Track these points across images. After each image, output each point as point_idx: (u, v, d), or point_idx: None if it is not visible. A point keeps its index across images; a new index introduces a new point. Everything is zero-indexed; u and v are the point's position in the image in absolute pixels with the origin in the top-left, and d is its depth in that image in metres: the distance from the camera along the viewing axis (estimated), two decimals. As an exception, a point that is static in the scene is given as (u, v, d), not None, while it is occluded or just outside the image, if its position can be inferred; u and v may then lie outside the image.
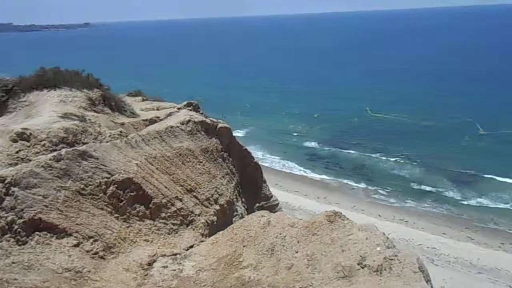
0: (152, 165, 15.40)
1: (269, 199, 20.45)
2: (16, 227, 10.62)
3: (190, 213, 14.93)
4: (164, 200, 14.51)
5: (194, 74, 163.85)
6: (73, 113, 16.30)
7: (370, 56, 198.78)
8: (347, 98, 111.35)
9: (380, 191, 59.12)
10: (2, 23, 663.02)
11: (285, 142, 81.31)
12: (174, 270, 11.23)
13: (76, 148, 13.46)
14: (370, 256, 8.95)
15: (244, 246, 10.78)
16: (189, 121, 17.62)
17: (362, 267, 8.77)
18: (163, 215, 14.34)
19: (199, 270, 10.92)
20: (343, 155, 72.77)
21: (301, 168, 69.03)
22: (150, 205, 14.22)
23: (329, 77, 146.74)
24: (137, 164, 14.66)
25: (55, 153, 12.95)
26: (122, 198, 13.55)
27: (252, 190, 20.07)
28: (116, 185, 13.45)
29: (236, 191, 17.93)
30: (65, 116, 15.94)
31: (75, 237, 11.48)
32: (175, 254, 12.71)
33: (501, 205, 52.01)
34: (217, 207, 15.86)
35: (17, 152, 13.58)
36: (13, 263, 9.93)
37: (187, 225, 14.74)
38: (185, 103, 23.06)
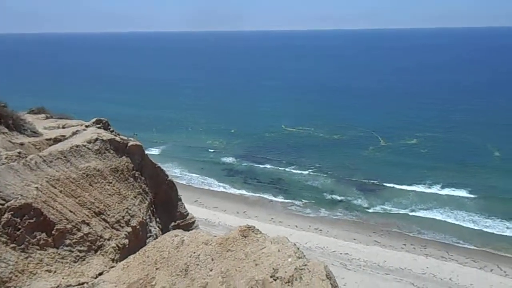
0: (55, 188, 14.21)
1: (185, 217, 20.00)
2: None
3: (98, 237, 14.00)
4: (69, 226, 13.42)
5: (108, 91, 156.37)
6: (-42, 134, 14.48)
7: (286, 74, 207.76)
8: (263, 114, 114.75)
9: (296, 202, 61.35)
10: None
11: (203, 158, 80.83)
12: (80, 301, 10.40)
13: (-38, 173, 11.95)
14: (282, 267, 9.20)
15: (157, 269, 10.39)
16: (96, 139, 16.66)
17: (275, 279, 8.96)
18: (68, 242, 13.25)
19: (109, 298, 10.25)
20: (260, 169, 74.42)
21: (220, 184, 69.02)
22: (53, 232, 13.05)
23: (246, 94, 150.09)
24: (37, 187, 13.41)
25: None
26: (20, 226, 12.25)
27: (167, 209, 19.49)
28: (12, 212, 12.14)
29: (149, 211, 17.27)
30: None
31: (-41, 274, 10.10)
32: (82, 284, 11.80)
33: (402, 211, 57.17)
34: (129, 229, 15.09)
35: None
36: None
37: (96, 251, 13.78)
38: (93, 120, 21.83)
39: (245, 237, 10.09)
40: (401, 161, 74.19)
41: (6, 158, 14.89)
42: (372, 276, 42.23)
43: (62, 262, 12.72)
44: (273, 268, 9.24)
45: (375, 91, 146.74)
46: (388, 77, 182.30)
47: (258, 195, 64.35)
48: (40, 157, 14.56)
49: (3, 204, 12.22)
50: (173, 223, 19.26)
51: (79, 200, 14.46)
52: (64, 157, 15.32)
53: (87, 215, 14.29)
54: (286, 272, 9.05)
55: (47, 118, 22.60)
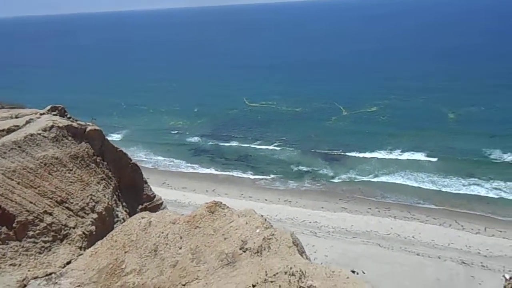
0: (12, 179, 13.67)
1: (152, 199, 19.82)
2: None
3: (63, 226, 13.69)
4: (30, 217, 13.03)
5: (61, 77, 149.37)
6: None
7: (241, 50, 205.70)
8: (224, 91, 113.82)
9: (264, 177, 62.13)
10: None
11: (168, 140, 79.73)
12: (49, 291, 10.24)
13: None
14: (251, 239, 9.40)
15: (125, 252, 10.34)
16: (52, 126, 16.03)
17: (244, 251, 9.16)
18: (31, 233, 12.89)
19: (78, 286, 10.14)
20: (227, 147, 74.44)
21: (187, 164, 68.61)
22: (14, 225, 12.65)
23: (205, 71, 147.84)
24: (-9, 181, 12.86)
25: None
26: (-24, 222, 11.79)
27: (133, 192, 19.23)
28: (-35, 209, 11.62)
29: (115, 196, 16.99)
30: None
31: None
32: (50, 274, 11.58)
33: (365, 177, 59.28)
34: (95, 215, 14.84)
35: None
36: None
37: (62, 240, 13.50)
38: (48, 107, 20.90)
39: (212, 212, 10.19)
40: (362, 129, 76.28)
41: (-46, 152, 14.15)
42: (340, 241, 43.93)
43: (26, 255, 12.40)
44: (242, 240, 9.42)
45: (334, 63, 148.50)
46: (345, 48, 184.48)
47: (227, 172, 64.59)
48: (-8, 149, 13.89)
49: (-44, 201, 11.68)
50: (140, 206, 19.08)
51: (39, 190, 14.01)
52: (19, 147, 14.69)
53: (49, 205, 13.89)
54: (254, 243, 9.26)
55: (-2, 108, 21.41)
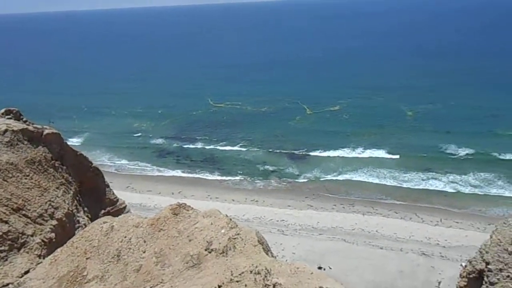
0: (-38, 188, 12.95)
1: (115, 203, 19.32)
2: None
3: (20, 234, 13.10)
4: (-17, 227, 12.38)
5: (16, 78, 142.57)
6: None
7: (207, 50, 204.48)
8: (189, 91, 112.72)
9: (231, 177, 62.06)
10: None
11: (132, 142, 77.96)
12: (6, 303, 9.78)
13: None
14: (216, 239, 9.39)
15: (87, 259, 10.05)
16: (6, 130, 15.30)
17: (210, 252, 9.14)
18: (-16, 243, 12.26)
19: (37, 295, 9.76)
20: (192, 148, 73.74)
21: (153, 167, 67.40)
22: (-34, 235, 11.99)
23: (170, 72, 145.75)
24: None
25: None
26: None
27: (95, 197, 18.69)
28: None
29: (75, 201, 16.44)
30: None
31: None
32: (7, 285, 11.07)
33: (330, 175, 60.54)
34: (54, 222, 14.30)
35: None
36: None
37: (19, 249, 12.92)
38: (2, 111, 19.91)
39: (177, 214, 10.10)
40: (326, 128, 77.80)
41: None
42: (307, 238, 44.60)
43: (-20, 266, 11.80)
44: (207, 241, 9.40)
45: (298, 62, 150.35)
46: (309, 47, 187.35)
47: (193, 174, 64.02)
48: None
49: None
50: (103, 211, 18.56)
51: (-7, 198, 13.34)
52: (-31, 153, 13.93)
53: (4, 213, 13.27)
54: (220, 243, 9.26)
55: None
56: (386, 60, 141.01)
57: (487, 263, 10.26)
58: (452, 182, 56.12)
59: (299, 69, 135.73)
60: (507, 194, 52.23)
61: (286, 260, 34.41)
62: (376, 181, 58.23)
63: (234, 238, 9.06)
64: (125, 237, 9.94)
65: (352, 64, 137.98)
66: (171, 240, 9.46)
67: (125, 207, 19.66)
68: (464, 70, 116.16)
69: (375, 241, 43.50)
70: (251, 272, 8.11)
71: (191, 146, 74.74)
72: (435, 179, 57.21)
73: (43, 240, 13.46)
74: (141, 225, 10.09)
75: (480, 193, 53.17)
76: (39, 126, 17.72)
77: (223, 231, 9.61)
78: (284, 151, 69.53)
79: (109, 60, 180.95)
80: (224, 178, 62.25)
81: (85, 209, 17.26)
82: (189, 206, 10.54)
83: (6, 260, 12.51)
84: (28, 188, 14.61)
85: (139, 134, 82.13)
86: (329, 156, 66.67)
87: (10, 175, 14.49)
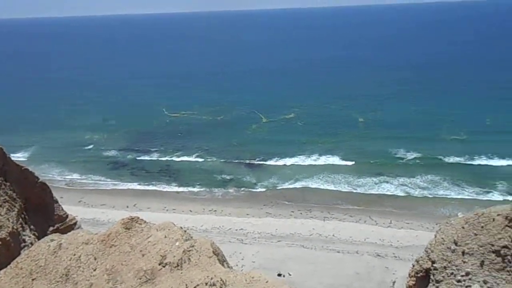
0: None
1: (64, 219, 18.44)
2: None
3: (-43, 258, 12.18)
4: None
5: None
6: None
7: (161, 59, 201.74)
8: (142, 101, 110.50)
9: (187, 188, 61.28)
10: None
11: (83, 155, 74.83)
12: None
13: None
14: (170, 253, 9.23)
15: (33, 279, 9.52)
16: None
17: (164, 266, 8.96)
18: None
19: (-23, 323, 9.11)
20: (147, 160, 72.12)
21: (106, 180, 65.08)
22: None
23: (122, 81, 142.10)
24: None
25: None
26: None
27: (42, 213, 17.73)
28: None
29: (20, 219, 15.53)
30: None
31: None
32: None
33: (287, 183, 61.40)
34: (-3, 243, 13.41)
35: None
36: None
37: (-44, 274, 11.99)
38: None
39: (129, 229, 9.83)
40: (281, 137, 78.96)
41: None
42: (266, 246, 44.80)
43: None
44: (161, 255, 9.22)
45: (253, 71, 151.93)
46: (270, 58, 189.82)
47: (149, 186, 62.53)
48: None
49: None
50: (51, 228, 17.64)
51: None
52: None
53: None
54: (174, 256, 9.12)
55: None
56: (348, 71, 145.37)
57: (433, 262, 10.82)
58: (402, 185, 58.72)
59: (257, 79, 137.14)
60: (452, 195, 55.41)
61: (242, 270, 34.36)
62: (332, 187, 59.74)
63: (189, 251, 8.96)
64: (74, 255, 9.54)
65: (311, 74, 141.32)
66: (123, 256, 9.19)
67: (75, 223, 18.81)
68: (416, 79, 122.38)
69: (332, 245, 44.49)
70: (206, 284, 8.04)
71: (146, 157, 73.06)
72: (387, 182, 59.64)
73: (-16, 263, 12.57)
74: (91, 242, 9.72)
75: (428, 195, 56.02)
76: (-22, 141, 16.62)
77: (177, 243, 9.47)
78: (241, 160, 69.72)
79: (58, 70, 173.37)
80: (181, 189, 61.32)
81: (32, 227, 16.33)
82: (142, 220, 10.30)
83: None
84: (-34, 207, 13.63)
85: (91, 147, 79.11)
86: (285, 164, 67.64)
87: None
